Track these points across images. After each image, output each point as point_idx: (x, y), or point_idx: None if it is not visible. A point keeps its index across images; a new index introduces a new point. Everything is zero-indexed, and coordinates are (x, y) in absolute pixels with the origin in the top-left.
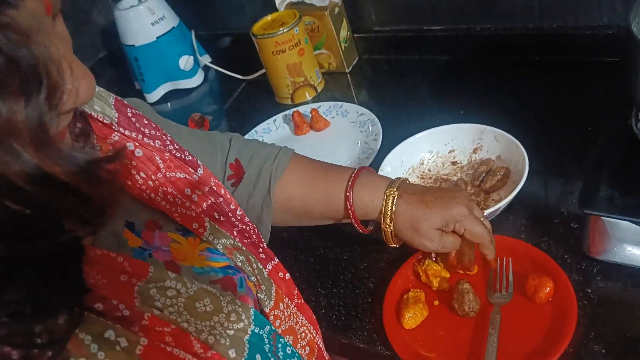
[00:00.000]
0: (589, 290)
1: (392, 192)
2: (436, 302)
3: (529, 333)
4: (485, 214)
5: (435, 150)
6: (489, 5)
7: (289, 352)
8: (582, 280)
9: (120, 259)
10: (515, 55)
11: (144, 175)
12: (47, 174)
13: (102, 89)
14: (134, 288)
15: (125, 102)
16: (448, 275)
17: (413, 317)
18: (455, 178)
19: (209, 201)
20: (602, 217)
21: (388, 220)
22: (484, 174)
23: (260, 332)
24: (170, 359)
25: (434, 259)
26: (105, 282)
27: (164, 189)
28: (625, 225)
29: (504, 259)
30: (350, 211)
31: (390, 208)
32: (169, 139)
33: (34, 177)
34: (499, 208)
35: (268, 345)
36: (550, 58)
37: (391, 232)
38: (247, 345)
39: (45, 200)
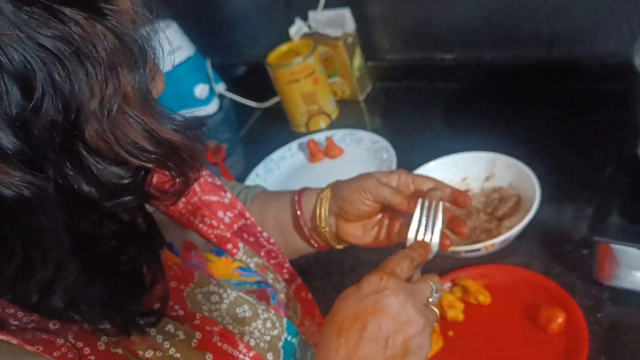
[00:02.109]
0: (600, 315)
1: (325, 194)
2: (450, 333)
3: None
4: (498, 241)
5: (448, 178)
6: (498, 34)
7: None
8: (593, 305)
9: (170, 263)
10: (525, 83)
11: (183, 200)
12: (158, 133)
13: None
14: (182, 293)
15: None
16: (462, 307)
17: None
18: None
19: (240, 222)
20: (611, 244)
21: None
22: (496, 202)
23: (292, 340)
24: (221, 352)
25: (448, 289)
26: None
27: (201, 212)
28: (633, 251)
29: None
30: (299, 211)
31: (324, 207)
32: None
33: (148, 136)
34: (512, 235)
35: (299, 353)
36: (559, 86)
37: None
38: (282, 351)
39: (159, 156)
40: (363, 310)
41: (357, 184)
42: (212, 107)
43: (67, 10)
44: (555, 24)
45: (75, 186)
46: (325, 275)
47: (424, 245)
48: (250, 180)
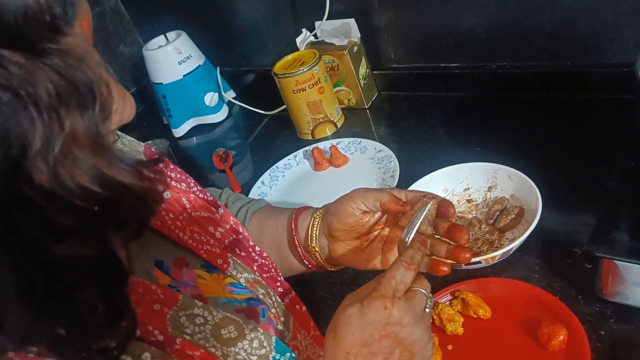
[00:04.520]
0: (602, 332)
1: (318, 214)
2: (449, 347)
3: None
4: (499, 254)
5: (450, 188)
6: (503, 43)
7: None
8: (595, 321)
9: (154, 287)
10: (530, 92)
11: (172, 216)
12: (106, 175)
13: (132, 139)
14: (166, 316)
15: (153, 149)
16: (461, 320)
17: None
18: (470, 216)
19: (231, 238)
20: (614, 260)
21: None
22: (498, 213)
23: (281, 359)
24: None
25: (448, 302)
26: (141, 310)
27: (191, 227)
28: (638, 268)
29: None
30: (294, 230)
31: (316, 226)
32: (192, 181)
33: (95, 178)
34: (513, 248)
35: None
36: (564, 95)
37: (319, 250)
38: None
39: (108, 198)
40: (369, 336)
41: (345, 196)
42: (221, 115)
43: (5, 52)
44: (559, 34)
45: (22, 229)
46: (325, 285)
47: (419, 245)
48: (256, 189)
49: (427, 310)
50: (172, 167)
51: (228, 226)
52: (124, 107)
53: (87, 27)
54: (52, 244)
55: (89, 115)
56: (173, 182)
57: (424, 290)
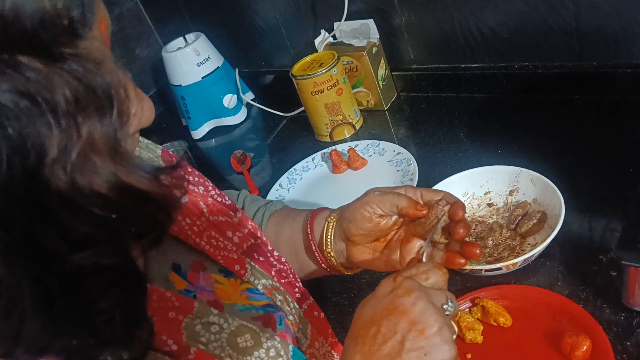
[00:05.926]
0: (628, 343)
1: (332, 218)
2: (469, 356)
3: None
4: (520, 260)
5: (471, 191)
6: (527, 43)
7: None
8: (621, 332)
9: (169, 294)
10: (554, 94)
11: (189, 221)
12: (125, 182)
13: (150, 142)
14: (180, 324)
15: (171, 152)
16: (481, 328)
17: None
18: (490, 220)
19: (249, 242)
20: None
21: (329, 244)
22: (520, 218)
23: None
24: None
25: (467, 310)
26: (155, 318)
27: (208, 233)
28: None
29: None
30: (310, 231)
31: (330, 231)
32: (211, 184)
33: (114, 185)
34: (534, 254)
35: None
36: (590, 97)
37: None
38: None
39: (126, 206)
40: (379, 313)
41: (359, 200)
42: (239, 116)
43: (23, 59)
44: (586, 34)
45: (41, 239)
46: (343, 290)
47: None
48: (274, 191)
49: (445, 308)
50: (189, 170)
51: (246, 230)
52: (142, 111)
53: (105, 29)
54: (71, 254)
55: (107, 121)
56: (190, 186)
57: (445, 293)
